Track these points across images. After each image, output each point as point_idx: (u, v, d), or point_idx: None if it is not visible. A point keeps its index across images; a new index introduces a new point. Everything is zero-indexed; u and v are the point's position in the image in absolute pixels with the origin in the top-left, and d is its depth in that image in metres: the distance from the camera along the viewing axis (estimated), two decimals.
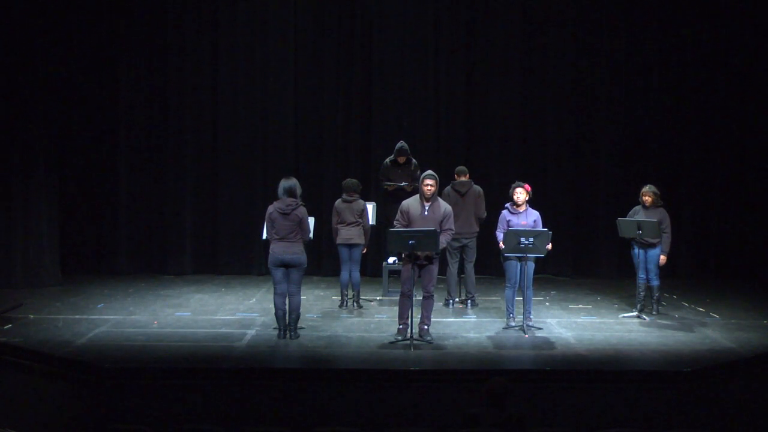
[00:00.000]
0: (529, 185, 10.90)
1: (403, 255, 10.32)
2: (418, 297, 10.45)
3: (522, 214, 10.77)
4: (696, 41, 14.26)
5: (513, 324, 10.80)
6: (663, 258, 11.35)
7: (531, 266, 10.73)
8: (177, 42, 14.27)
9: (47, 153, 13.26)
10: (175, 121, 14.32)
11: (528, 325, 10.65)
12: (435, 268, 10.18)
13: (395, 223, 10.33)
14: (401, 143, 12.52)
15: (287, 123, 14.42)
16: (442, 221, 10.12)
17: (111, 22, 14.13)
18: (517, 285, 10.75)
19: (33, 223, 13.11)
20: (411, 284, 10.11)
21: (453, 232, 10.36)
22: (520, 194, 10.76)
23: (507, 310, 10.90)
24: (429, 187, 10.13)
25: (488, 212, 12.06)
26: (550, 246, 10.53)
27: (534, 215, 10.81)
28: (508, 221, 10.77)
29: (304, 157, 14.48)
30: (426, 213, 10.13)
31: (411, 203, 10.25)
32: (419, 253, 9.97)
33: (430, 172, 10.32)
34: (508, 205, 10.89)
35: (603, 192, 14.38)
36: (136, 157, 14.34)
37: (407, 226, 10.09)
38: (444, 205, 10.26)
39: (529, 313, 10.78)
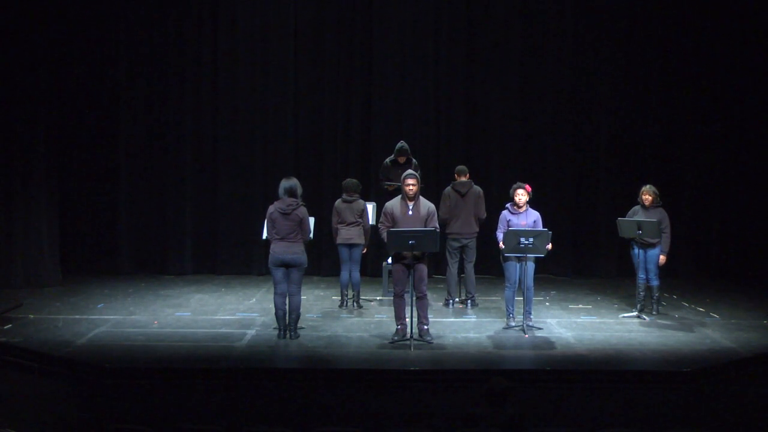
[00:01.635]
0: (529, 185, 10.90)
1: (391, 255, 10.34)
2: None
3: (522, 215, 10.77)
4: (696, 41, 14.26)
5: (513, 324, 10.80)
6: (663, 258, 11.36)
7: (531, 266, 10.72)
8: (177, 41, 14.27)
9: (47, 153, 13.26)
10: (175, 120, 14.32)
11: (528, 325, 10.65)
12: (425, 267, 10.16)
13: (379, 225, 10.33)
14: (401, 143, 12.52)
15: (287, 123, 14.42)
16: (426, 220, 10.12)
17: (111, 22, 14.13)
18: (517, 285, 10.75)
19: (33, 223, 13.11)
20: (403, 284, 10.12)
21: (438, 230, 10.33)
22: (522, 195, 10.76)
23: (507, 310, 10.90)
24: (411, 187, 10.12)
25: (488, 213, 12.06)
26: (550, 246, 10.54)
27: (534, 215, 10.80)
28: (509, 221, 10.77)
29: (304, 157, 14.48)
30: (410, 213, 10.12)
31: (394, 204, 10.23)
32: (405, 252, 9.97)
33: (410, 171, 10.33)
34: (508, 205, 10.89)
35: (603, 192, 14.39)
36: (136, 157, 14.34)
37: (392, 227, 10.08)
38: (427, 204, 10.23)
39: (530, 313, 10.78)
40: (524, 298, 10.70)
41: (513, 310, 10.88)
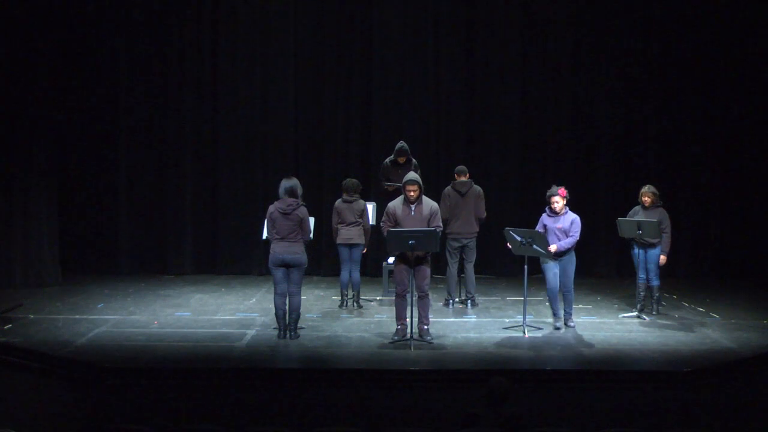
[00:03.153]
0: (564, 188, 10.75)
1: (394, 255, 10.32)
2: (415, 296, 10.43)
3: (560, 218, 10.67)
4: (696, 41, 14.25)
5: (558, 325, 10.72)
6: (663, 258, 11.35)
7: (570, 268, 10.67)
8: (177, 42, 14.27)
9: (47, 153, 13.26)
10: (175, 120, 14.33)
11: (569, 325, 10.73)
12: (427, 267, 10.15)
13: (381, 224, 10.32)
14: (401, 143, 12.50)
15: (287, 123, 14.42)
16: (429, 219, 10.11)
17: (111, 22, 14.14)
18: (558, 288, 10.65)
19: (33, 223, 13.12)
20: (405, 284, 10.11)
21: (441, 229, 10.33)
22: (557, 202, 10.66)
23: (552, 309, 10.82)
24: (412, 193, 10.09)
25: (488, 213, 12.05)
26: (553, 248, 10.50)
27: (571, 217, 10.68)
28: (545, 225, 10.73)
29: (304, 157, 14.48)
30: (413, 213, 10.11)
31: (396, 205, 10.20)
32: (409, 253, 9.96)
33: (411, 176, 10.20)
34: (547, 208, 10.83)
35: (603, 192, 14.39)
36: (136, 157, 14.35)
37: (394, 227, 10.08)
38: (430, 203, 10.21)
39: (570, 314, 10.79)
40: (564, 300, 10.76)
41: (558, 309, 10.76)
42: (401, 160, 12.39)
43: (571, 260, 10.73)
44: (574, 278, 13.05)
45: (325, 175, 14.32)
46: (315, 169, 14.39)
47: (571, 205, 14.29)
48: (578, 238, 10.67)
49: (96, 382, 8.93)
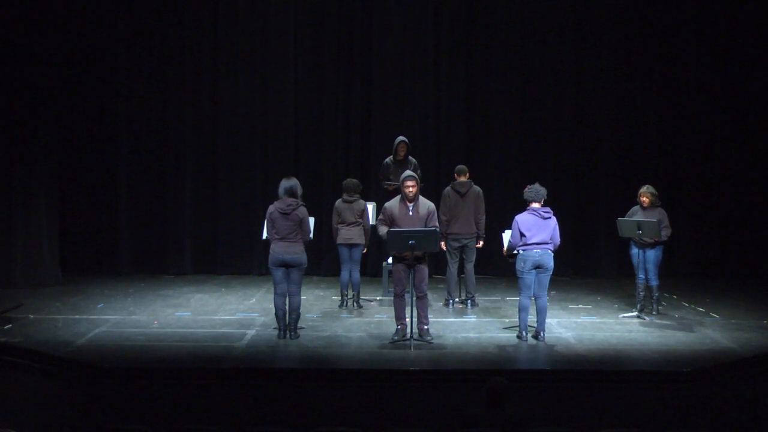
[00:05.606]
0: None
1: (392, 255, 10.32)
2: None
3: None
4: (696, 41, 14.26)
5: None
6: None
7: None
8: (177, 41, 14.27)
9: (47, 153, 13.27)
10: (175, 120, 14.32)
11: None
12: (425, 268, 10.13)
13: (378, 222, 10.32)
14: (400, 136, 12.49)
15: (287, 123, 14.42)
16: (426, 219, 10.10)
17: (111, 23, 14.14)
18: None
19: (33, 223, 13.12)
20: (403, 284, 10.11)
21: (438, 230, 10.30)
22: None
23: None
24: (410, 189, 10.05)
25: (488, 213, 12.01)
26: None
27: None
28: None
29: (304, 157, 14.48)
30: (410, 213, 10.09)
31: (393, 205, 10.18)
32: (406, 253, 9.96)
33: (409, 173, 10.21)
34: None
35: (603, 192, 14.38)
36: (136, 157, 14.35)
37: (390, 226, 10.07)
38: (427, 204, 10.19)
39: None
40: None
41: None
42: (401, 152, 12.36)
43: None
44: (572, 278, 13.02)
45: (325, 175, 14.32)
46: (315, 169, 14.39)
47: (571, 205, 14.41)
48: (510, 241, 10.46)
49: (96, 382, 8.93)
